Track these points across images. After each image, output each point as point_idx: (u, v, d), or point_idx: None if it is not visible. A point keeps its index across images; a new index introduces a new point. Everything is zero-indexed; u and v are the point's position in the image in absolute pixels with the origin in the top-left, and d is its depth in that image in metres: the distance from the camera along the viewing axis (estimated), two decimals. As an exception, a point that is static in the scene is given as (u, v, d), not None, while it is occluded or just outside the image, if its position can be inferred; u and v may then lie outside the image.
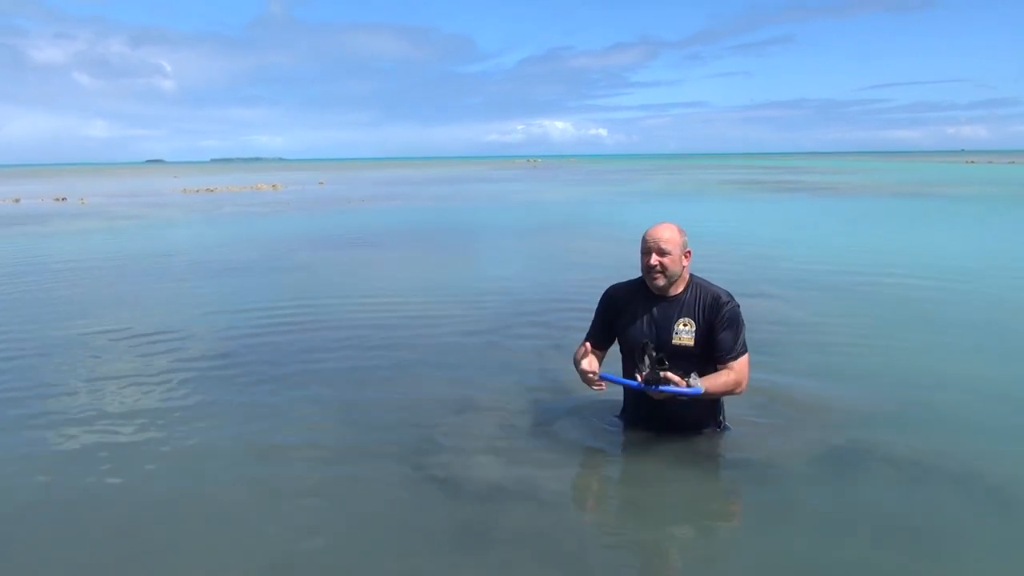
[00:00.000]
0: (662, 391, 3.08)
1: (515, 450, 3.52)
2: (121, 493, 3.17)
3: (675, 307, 3.30)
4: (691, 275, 3.39)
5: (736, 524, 2.97)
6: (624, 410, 3.74)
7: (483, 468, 3.31)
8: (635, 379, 3.13)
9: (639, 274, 3.42)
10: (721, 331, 3.23)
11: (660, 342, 3.24)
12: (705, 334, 3.25)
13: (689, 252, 3.32)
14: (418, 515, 2.92)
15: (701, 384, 3.11)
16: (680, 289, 3.34)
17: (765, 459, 3.35)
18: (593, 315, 3.58)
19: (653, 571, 2.63)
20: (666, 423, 3.48)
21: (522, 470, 3.29)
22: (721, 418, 3.58)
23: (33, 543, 2.78)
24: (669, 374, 3.07)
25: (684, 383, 3.07)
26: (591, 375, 3.26)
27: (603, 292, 3.58)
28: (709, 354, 3.28)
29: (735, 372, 3.22)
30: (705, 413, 3.50)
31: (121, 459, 3.50)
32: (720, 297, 3.28)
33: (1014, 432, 3.70)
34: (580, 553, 2.65)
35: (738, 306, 3.31)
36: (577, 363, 3.33)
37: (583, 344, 3.42)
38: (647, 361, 3.08)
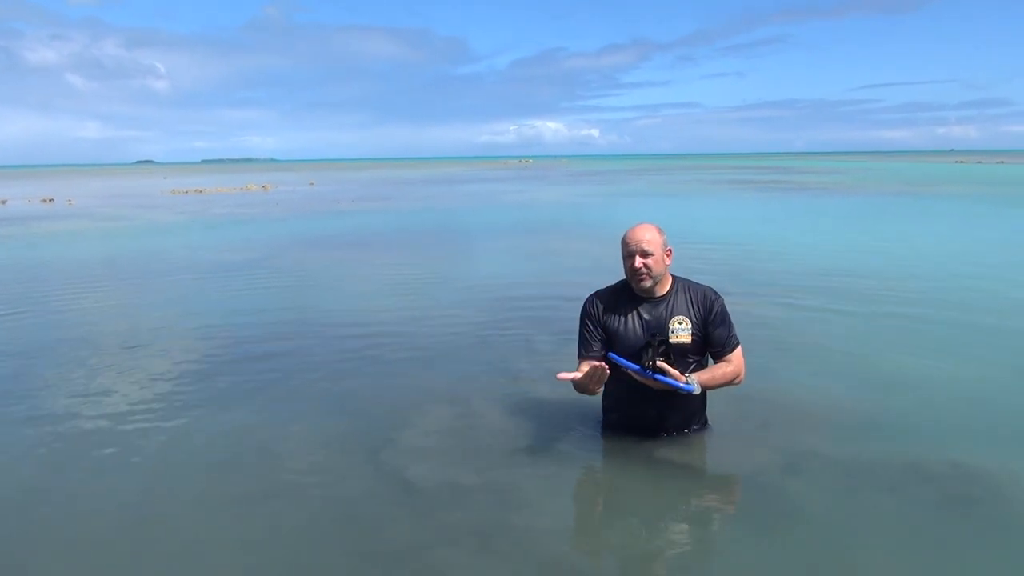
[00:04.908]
0: (658, 380, 3.10)
1: (497, 452, 3.51)
2: (96, 497, 3.15)
3: (665, 307, 3.32)
4: (672, 274, 3.41)
5: (713, 527, 2.97)
6: (610, 411, 3.65)
7: (466, 470, 3.31)
8: (635, 369, 3.15)
9: (621, 275, 3.41)
10: (715, 327, 3.30)
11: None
12: (701, 331, 3.30)
13: (670, 250, 3.34)
14: (395, 519, 2.90)
15: (697, 382, 3.16)
16: (666, 289, 3.36)
17: (744, 462, 3.37)
18: (579, 330, 3.45)
19: (629, 572, 2.63)
20: (655, 423, 3.46)
21: (503, 472, 3.29)
22: (704, 416, 3.60)
23: (12, 543, 2.77)
24: (666, 365, 3.10)
25: (683, 379, 3.12)
26: (596, 365, 3.06)
27: (584, 304, 3.48)
28: (704, 351, 3.36)
29: (733, 364, 3.31)
30: (695, 412, 3.52)
31: (98, 463, 3.48)
32: (709, 294, 3.35)
33: (996, 433, 3.71)
34: (560, 556, 2.65)
35: (724, 301, 3.38)
36: (578, 383, 3.22)
37: (580, 364, 3.35)
38: (650, 352, 3.14)
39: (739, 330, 3.42)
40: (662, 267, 3.28)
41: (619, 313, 3.37)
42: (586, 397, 3.88)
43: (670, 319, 3.29)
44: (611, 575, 2.58)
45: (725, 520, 3.01)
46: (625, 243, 3.31)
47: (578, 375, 3.14)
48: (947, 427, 3.77)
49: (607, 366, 3.08)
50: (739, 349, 3.37)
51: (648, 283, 3.27)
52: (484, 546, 2.68)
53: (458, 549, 2.67)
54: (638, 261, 3.23)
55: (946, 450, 3.44)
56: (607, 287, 3.52)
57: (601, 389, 3.38)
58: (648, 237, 3.25)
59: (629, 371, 3.16)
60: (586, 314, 3.46)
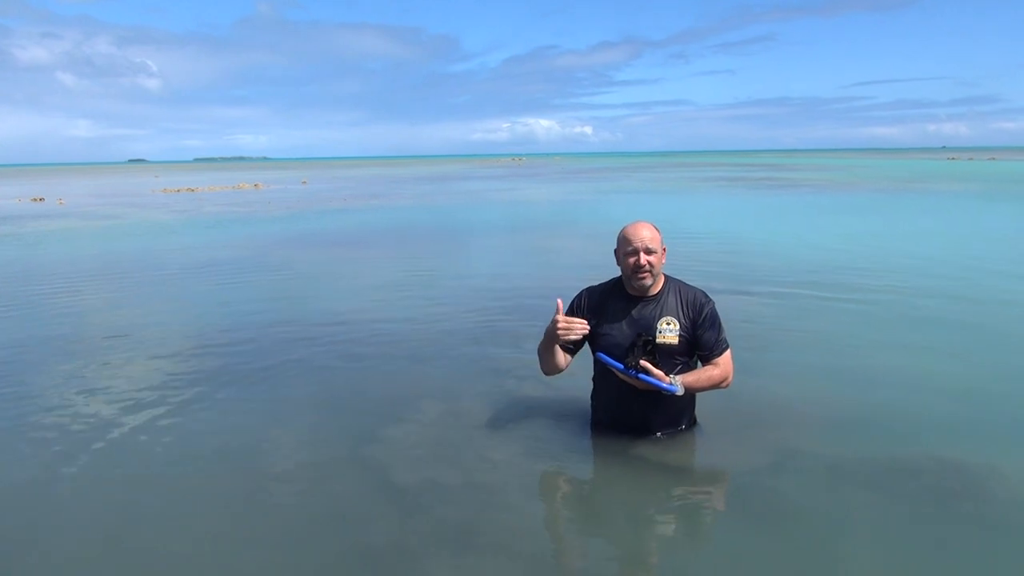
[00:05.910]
0: (641, 379, 3.11)
1: (484, 451, 3.50)
2: (83, 496, 3.13)
3: (655, 306, 3.31)
4: (665, 274, 3.41)
5: (699, 524, 2.96)
6: (597, 410, 3.66)
7: (452, 469, 3.30)
8: (619, 367, 3.16)
9: (612, 272, 3.41)
10: (704, 330, 3.28)
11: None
12: (689, 332, 3.29)
13: (664, 249, 3.34)
14: (380, 517, 2.88)
15: (681, 383, 3.15)
16: (658, 288, 3.35)
17: (731, 459, 3.37)
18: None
19: (614, 570, 2.62)
20: (641, 422, 3.45)
21: (489, 470, 3.28)
22: (693, 415, 3.60)
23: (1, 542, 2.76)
24: (649, 365, 3.11)
25: (667, 379, 3.11)
26: (572, 325, 3.17)
27: (577, 294, 3.53)
28: (692, 352, 3.34)
29: (720, 367, 3.30)
30: (682, 411, 3.51)
31: (85, 462, 3.45)
32: (699, 297, 3.34)
33: (980, 429, 3.71)
34: (546, 554, 2.64)
35: (715, 305, 3.36)
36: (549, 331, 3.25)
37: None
38: (635, 352, 3.14)
39: (726, 327, 3.41)
40: (660, 265, 3.29)
41: (609, 310, 3.37)
42: (575, 395, 3.87)
43: (659, 319, 3.28)
44: (596, 574, 2.57)
45: (711, 518, 3.00)
46: (627, 240, 3.28)
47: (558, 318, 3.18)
48: (931, 422, 3.78)
49: (586, 328, 3.19)
50: (728, 353, 3.34)
51: (649, 281, 3.27)
52: (469, 545, 2.67)
53: (443, 548, 2.66)
54: (643, 258, 3.22)
55: (930, 445, 3.46)
56: (600, 284, 3.51)
57: (565, 363, 3.43)
58: (650, 235, 3.26)
59: (614, 369, 3.16)
60: (573, 306, 3.49)
